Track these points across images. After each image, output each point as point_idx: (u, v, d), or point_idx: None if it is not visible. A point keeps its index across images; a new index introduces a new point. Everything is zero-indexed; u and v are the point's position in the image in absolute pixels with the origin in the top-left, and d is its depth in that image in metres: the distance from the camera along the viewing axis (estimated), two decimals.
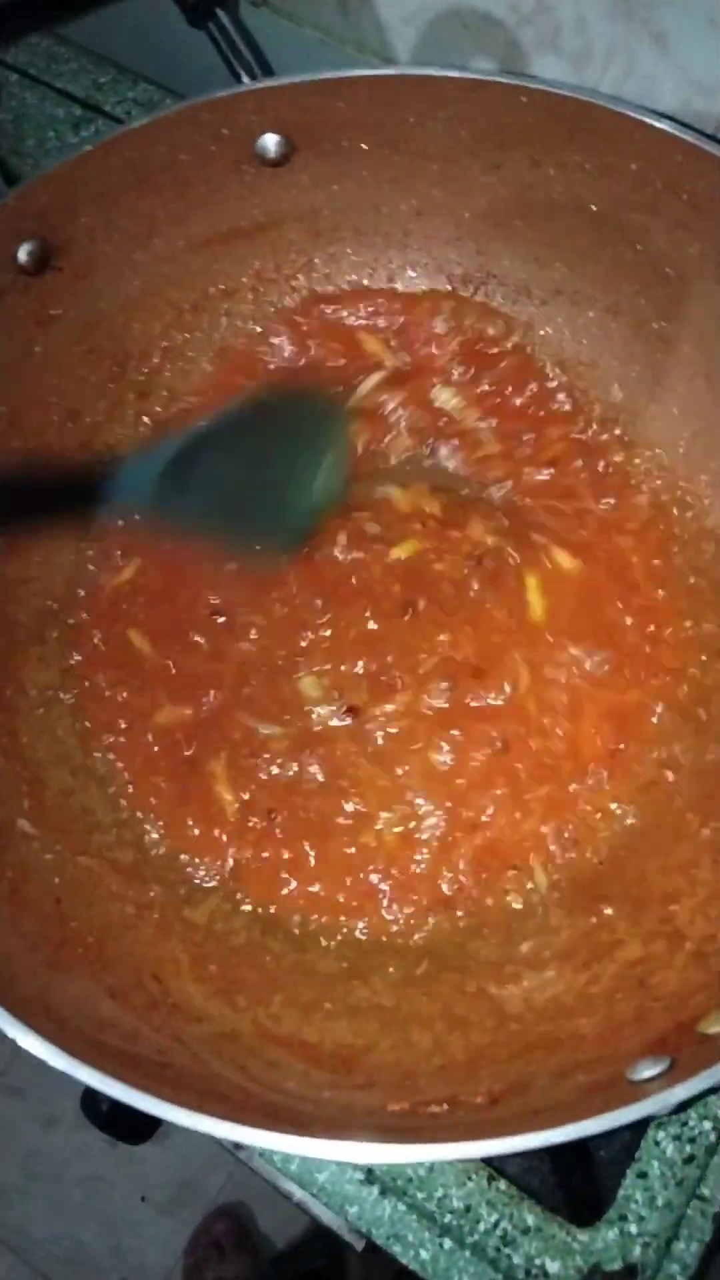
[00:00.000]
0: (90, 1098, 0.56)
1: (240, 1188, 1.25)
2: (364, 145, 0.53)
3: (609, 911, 0.45)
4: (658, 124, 0.46)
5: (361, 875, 0.48)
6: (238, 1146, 0.58)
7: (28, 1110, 1.29)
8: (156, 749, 0.50)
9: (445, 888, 0.48)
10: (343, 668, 0.51)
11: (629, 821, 0.48)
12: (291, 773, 0.49)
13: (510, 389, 0.57)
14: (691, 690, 0.50)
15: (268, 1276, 1.16)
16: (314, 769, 0.49)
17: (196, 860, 0.48)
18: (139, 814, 0.49)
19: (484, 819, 0.49)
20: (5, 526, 0.50)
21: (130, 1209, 1.26)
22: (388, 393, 0.57)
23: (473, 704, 0.51)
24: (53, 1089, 1.26)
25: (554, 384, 0.57)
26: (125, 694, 0.51)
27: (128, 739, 0.50)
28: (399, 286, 0.58)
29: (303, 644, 0.52)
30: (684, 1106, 0.47)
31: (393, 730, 0.50)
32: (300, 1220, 1.18)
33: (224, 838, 0.48)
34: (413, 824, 0.49)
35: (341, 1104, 0.39)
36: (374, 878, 0.48)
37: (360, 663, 0.51)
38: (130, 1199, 1.26)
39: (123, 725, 0.50)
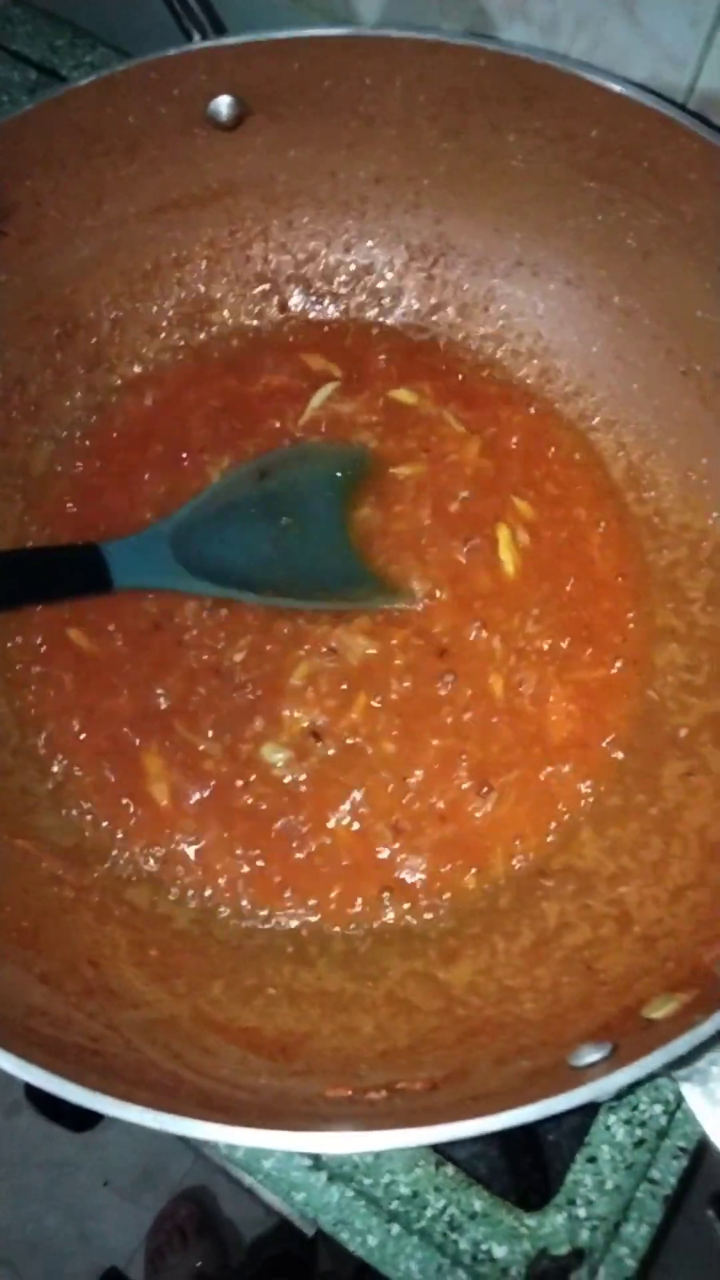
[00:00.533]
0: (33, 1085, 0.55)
1: (204, 1173, 1.25)
2: (320, 109, 0.51)
3: (558, 894, 0.45)
4: (615, 87, 0.45)
5: (311, 866, 0.47)
6: None
7: None
8: (92, 738, 0.49)
9: (402, 876, 0.47)
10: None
11: (581, 803, 0.47)
12: (233, 770, 0.48)
13: (463, 375, 0.56)
14: (643, 670, 0.50)
15: (243, 1261, 1.15)
16: (255, 776, 0.48)
17: (137, 851, 0.47)
18: (78, 799, 0.48)
19: (446, 806, 0.48)
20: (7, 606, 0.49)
21: (93, 1194, 1.26)
22: (340, 401, 0.56)
23: (441, 691, 0.50)
24: (13, 1077, 1.25)
25: (513, 361, 0.56)
26: (61, 682, 0.49)
27: (62, 724, 0.48)
28: (356, 257, 0.56)
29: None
30: (627, 1091, 0.47)
31: (350, 739, 0.49)
32: (263, 1206, 1.18)
33: (162, 829, 0.47)
34: (368, 818, 0.48)
35: (277, 1091, 0.38)
36: (325, 869, 0.47)
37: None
38: (93, 1184, 1.26)
39: (58, 710, 0.49)
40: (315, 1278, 0.94)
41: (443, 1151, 0.47)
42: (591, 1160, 0.47)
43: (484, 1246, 0.46)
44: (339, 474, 0.54)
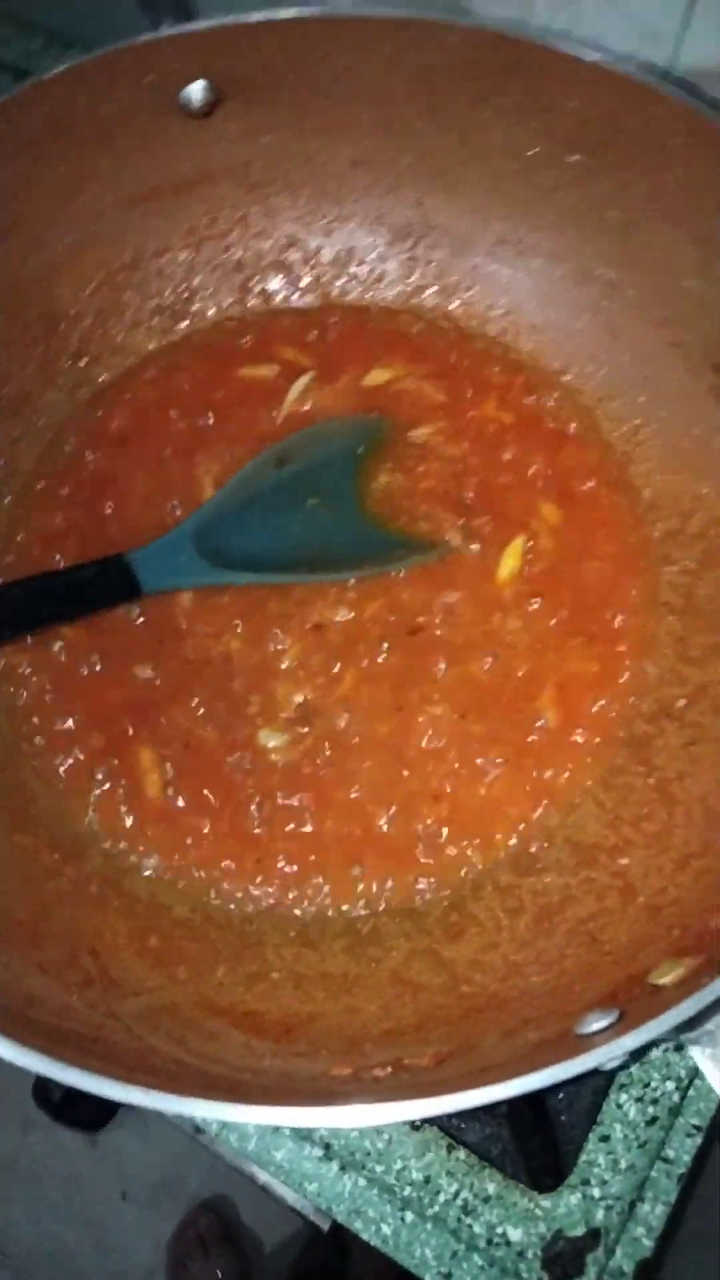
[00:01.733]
0: (41, 1087, 0.55)
1: (221, 1182, 1.24)
2: (294, 93, 0.51)
3: (560, 868, 0.44)
4: (588, 57, 0.45)
5: (310, 849, 0.46)
6: (198, 1130, 0.56)
7: (3, 1114, 1.26)
8: (85, 730, 0.48)
9: (401, 855, 0.46)
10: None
11: (579, 778, 0.47)
12: (229, 756, 0.48)
13: (451, 354, 0.56)
14: (643, 646, 0.49)
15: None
16: (251, 762, 0.48)
17: (134, 841, 0.46)
18: (73, 791, 0.47)
19: (440, 785, 0.47)
20: (36, 628, 0.49)
21: (111, 1206, 1.24)
22: (318, 392, 0.55)
23: (428, 669, 0.49)
24: (28, 1091, 1.24)
25: (500, 339, 0.56)
26: (53, 675, 0.49)
27: (54, 718, 0.48)
28: (336, 241, 0.56)
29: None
30: (634, 1059, 0.46)
31: (343, 719, 0.48)
32: (284, 1215, 1.17)
33: (157, 819, 0.46)
34: (365, 799, 0.47)
35: (281, 1071, 0.37)
36: (323, 851, 0.46)
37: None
38: (110, 1196, 1.25)
39: (50, 704, 0.48)
40: None
41: (454, 1135, 0.47)
42: (604, 1139, 0.46)
43: (499, 1230, 0.45)
44: (359, 448, 0.54)
